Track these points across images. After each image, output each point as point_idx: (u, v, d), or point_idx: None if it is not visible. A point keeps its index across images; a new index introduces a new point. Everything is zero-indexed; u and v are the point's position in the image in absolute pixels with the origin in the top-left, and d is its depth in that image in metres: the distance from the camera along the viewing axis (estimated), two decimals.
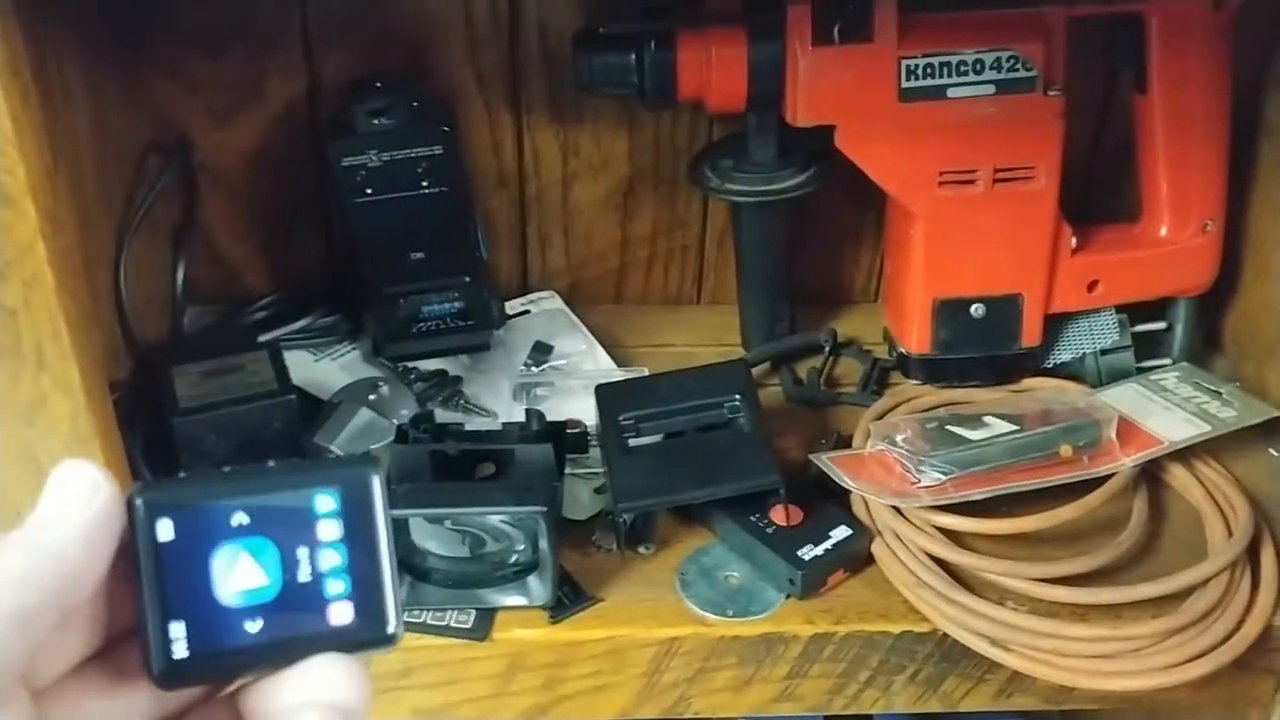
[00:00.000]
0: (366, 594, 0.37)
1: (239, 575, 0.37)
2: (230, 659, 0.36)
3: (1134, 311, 0.88)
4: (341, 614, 0.37)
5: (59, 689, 0.35)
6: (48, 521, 0.35)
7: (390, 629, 0.37)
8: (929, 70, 0.78)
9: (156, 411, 0.76)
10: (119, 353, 0.80)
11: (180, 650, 0.36)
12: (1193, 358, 0.89)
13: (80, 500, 0.35)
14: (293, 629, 0.37)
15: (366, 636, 0.37)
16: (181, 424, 0.75)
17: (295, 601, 0.37)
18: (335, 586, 0.37)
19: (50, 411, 0.61)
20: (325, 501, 0.37)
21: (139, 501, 0.36)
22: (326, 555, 0.37)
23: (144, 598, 0.36)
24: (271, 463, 0.38)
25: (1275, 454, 0.83)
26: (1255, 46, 0.84)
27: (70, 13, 0.72)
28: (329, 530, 0.37)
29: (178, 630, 0.36)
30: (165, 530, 0.36)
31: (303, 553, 0.37)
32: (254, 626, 0.36)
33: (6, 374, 0.60)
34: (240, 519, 0.37)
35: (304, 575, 0.37)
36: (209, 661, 0.36)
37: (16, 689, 0.33)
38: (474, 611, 0.72)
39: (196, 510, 0.36)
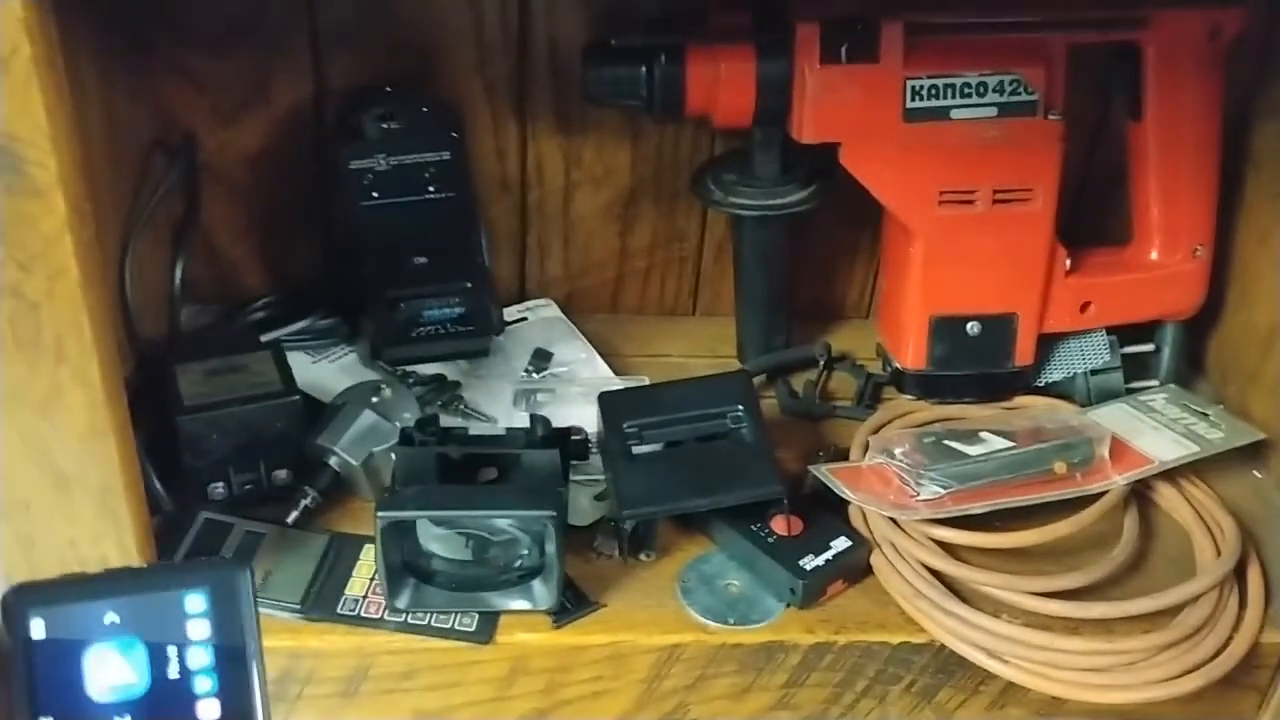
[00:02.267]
0: (234, 692, 0.39)
1: (109, 672, 0.38)
2: None
3: (1123, 333, 0.90)
4: (209, 711, 0.38)
5: None
6: None
7: None
8: (933, 91, 0.79)
9: (160, 409, 0.76)
10: (122, 349, 0.80)
11: None
12: (1179, 380, 0.91)
13: None
14: None
15: None
16: (185, 422, 0.75)
17: (165, 698, 0.38)
18: (203, 684, 0.38)
19: (66, 404, 0.61)
20: (195, 601, 0.39)
21: (12, 600, 0.37)
22: (195, 654, 0.39)
23: (15, 693, 0.37)
24: (143, 564, 0.39)
25: (1260, 475, 0.85)
26: (1244, 77, 0.86)
27: (86, 11, 0.72)
28: (198, 629, 0.39)
29: None
30: (37, 629, 0.37)
31: (172, 651, 0.38)
32: None
33: (24, 366, 0.60)
34: (111, 618, 0.38)
35: (173, 673, 0.38)
36: None
37: None
38: (477, 615, 0.72)
39: (68, 609, 0.38)
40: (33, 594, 0.38)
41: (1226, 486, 0.84)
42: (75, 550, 0.66)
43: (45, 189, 0.56)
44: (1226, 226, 0.89)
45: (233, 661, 0.39)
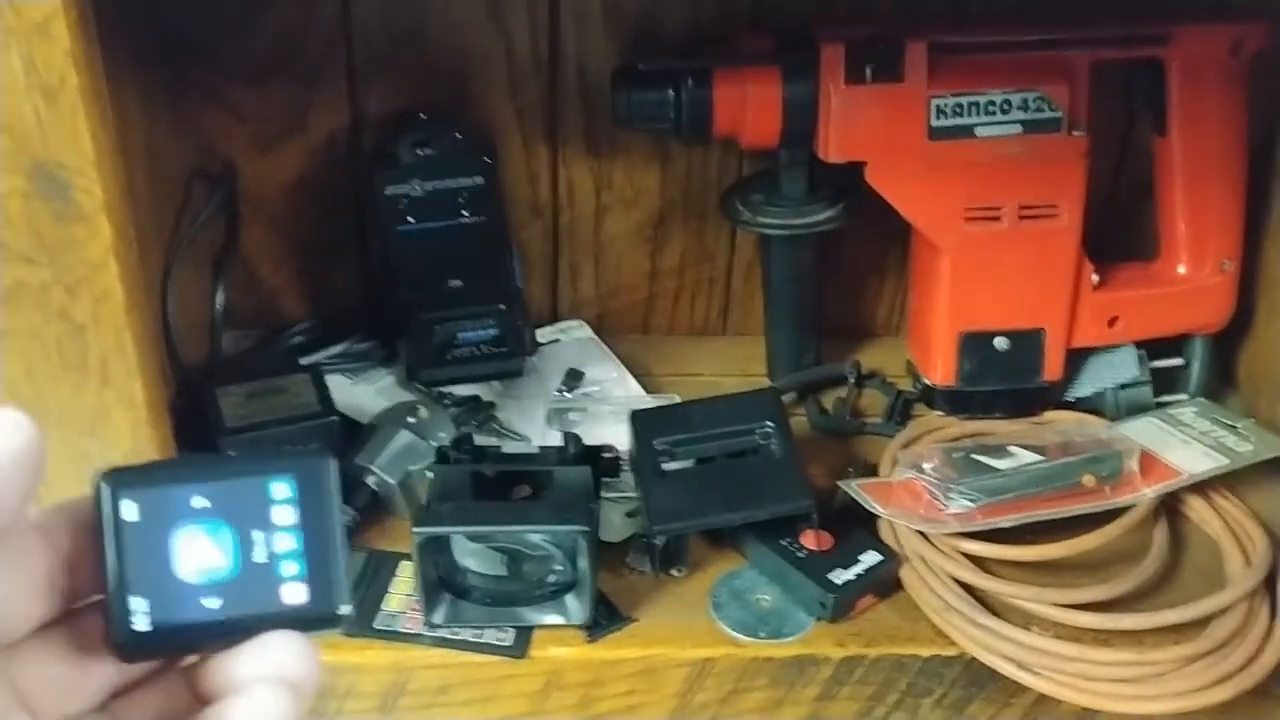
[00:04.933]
0: (319, 576, 0.39)
1: (198, 555, 0.39)
2: (188, 634, 0.38)
3: (1152, 348, 0.90)
4: (295, 594, 0.39)
5: (23, 647, 0.37)
6: None
7: (340, 610, 0.39)
8: (958, 110, 0.80)
9: (202, 431, 0.78)
10: (165, 374, 0.82)
11: (141, 624, 0.38)
12: (1208, 394, 0.91)
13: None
14: (248, 607, 0.38)
15: (318, 616, 0.39)
16: (228, 444, 0.77)
17: (251, 581, 0.39)
18: (289, 568, 0.39)
19: (112, 425, 0.63)
20: (281, 488, 0.39)
21: (105, 483, 0.38)
22: (281, 539, 0.39)
23: (108, 573, 0.38)
24: (233, 452, 0.40)
25: None
26: (1268, 91, 0.86)
27: (126, 40, 0.74)
28: (284, 515, 0.39)
29: (139, 604, 0.38)
30: (130, 511, 0.38)
31: (259, 535, 0.39)
32: (212, 604, 0.38)
33: (71, 387, 0.62)
34: (201, 502, 0.39)
35: (260, 557, 0.39)
36: (168, 635, 0.38)
37: None
38: (513, 630, 0.73)
39: (159, 493, 0.39)
40: (126, 476, 0.38)
41: (1257, 499, 0.84)
42: None
43: (91, 214, 0.58)
44: (1254, 240, 0.90)
45: (319, 548, 0.39)
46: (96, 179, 0.57)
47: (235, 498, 0.39)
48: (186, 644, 0.39)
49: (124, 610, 0.38)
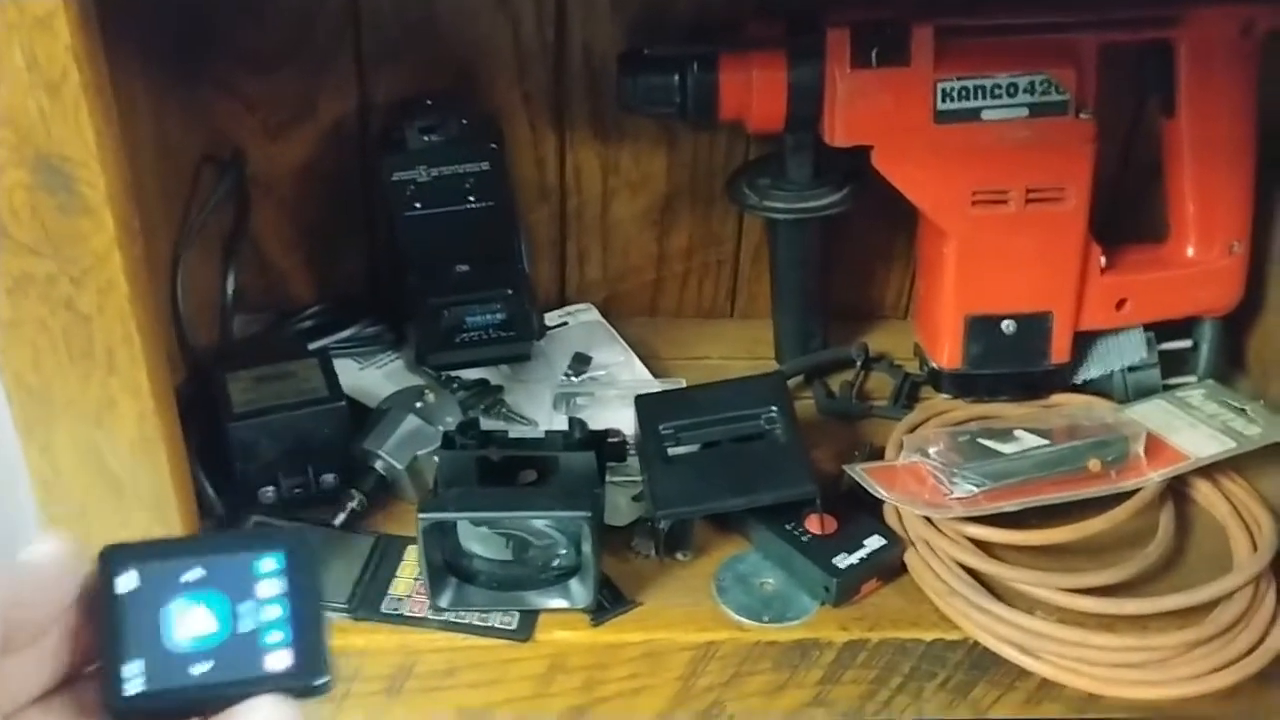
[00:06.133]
0: (304, 644, 0.41)
1: (191, 623, 0.41)
2: (180, 699, 0.41)
3: (1160, 330, 0.90)
4: (280, 661, 0.41)
5: (25, 714, 0.40)
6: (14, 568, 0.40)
7: (321, 679, 0.42)
8: (964, 93, 0.80)
9: (211, 416, 0.79)
10: (174, 359, 0.83)
11: (136, 687, 0.40)
12: (1218, 376, 0.91)
13: (46, 555, 0.40)
14: (237, 673, 0.41)
15: (302, 683, 0.41)
16: (236, 429, 0.78)
17: (240, 648, 0.41)
18: (275, 636, 0.41)
19: (119, 414, 0.64)
20: (269, 563, 0.42)
21: (107, 556, 0.41)
22: (268, 609, 0.42)
23: (106, 641, 0.41)
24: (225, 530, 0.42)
25: None
26: (1278, 72, 0.86)
27: (135, 31, 0.75)
28: (272, 587, 0.42)
29: (133, 670, 0.40)
30: (128, 582, 0.41)
31: (247, 606, 0.42)
32: (202, 670, 0.41)
33: (78, 377, 0.63)
34: (194, 574, 0.42)
35: (248, 625, 0.41)
36: (161, 700, 0.41)
37: None
38: (518, 613, 0.74)
39: (156, 566, 0.42)
40: (124, 552, 0.41)
41: (1265, 483, 0.83)
42: None
43: (95, 207, 0.58)
44: (1265, 222, 0.89)
45: (303, 617, 0.42)
46: (100, 172, 0.57)
47: (226, 570, 0.42)
48: (179, 708, 0.41)
49: (119, 677, 0.40)
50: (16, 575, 0.39)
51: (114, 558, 0.41)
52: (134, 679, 0.40)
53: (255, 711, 0.40)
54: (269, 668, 0.41)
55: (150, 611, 0.41)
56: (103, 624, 0.41)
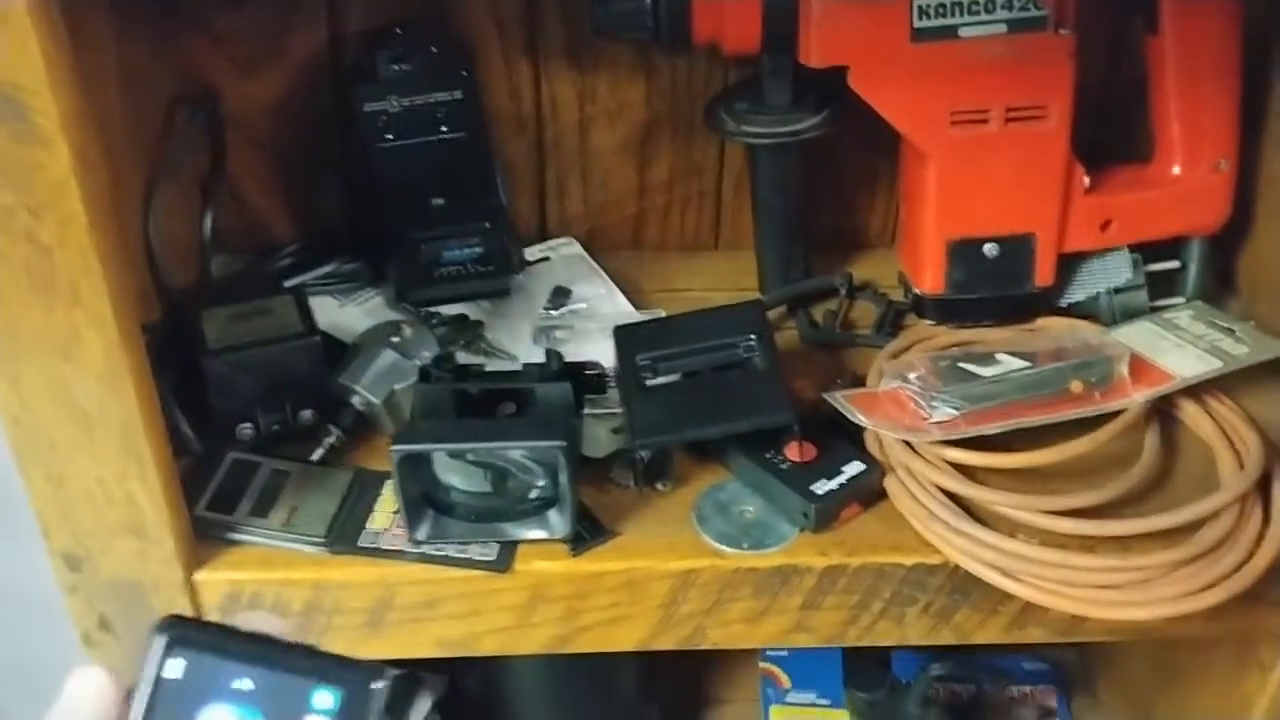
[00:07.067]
0: None
1: None
2: None
3: (1147, 251, 0.88)
4: None
5: None
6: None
7: None
8: (941, 10, 0.78)
9: (187, 353, 0.78)
10: (150, 297, 0.82)
11: None
12: (1206, 297, 0.90)
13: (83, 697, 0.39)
14: None
15: None
16: (211, 364, 0.77)
17: None
18: None
19: (84, 347, 0.63)
20: (325, 698, 0.39)
21: (161, 634, 0.38)
22: None
23: (138, 712, 0.38)
24: (296, 641, 0.40)
25: None
26: None
27: None
28: None
29: None
30: (174, 669, 0.38)
31: None
32: None
33: (42, 310, 0.62)
34: (244, 684, 0.39)
35: None
36: None
37: None
38: (496, 545, 0.74)
39: (208, 660, 0.39)
40: (182, 633, 0.39)
41: (1254, 402, 0.82)
42: (103, 488, 0.68)
43: (50, 137, 0.57)
44: (1255, 142, 0.87)
45: None
46: (52, 101, 0.56)
47: (277, 692, 0.38)
48: None
49: None
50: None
51: (172, 634, 0.38)
52: None
53: None
54: None
55: (188, 707, 0.38)
56: (135, 699, 0.38)
